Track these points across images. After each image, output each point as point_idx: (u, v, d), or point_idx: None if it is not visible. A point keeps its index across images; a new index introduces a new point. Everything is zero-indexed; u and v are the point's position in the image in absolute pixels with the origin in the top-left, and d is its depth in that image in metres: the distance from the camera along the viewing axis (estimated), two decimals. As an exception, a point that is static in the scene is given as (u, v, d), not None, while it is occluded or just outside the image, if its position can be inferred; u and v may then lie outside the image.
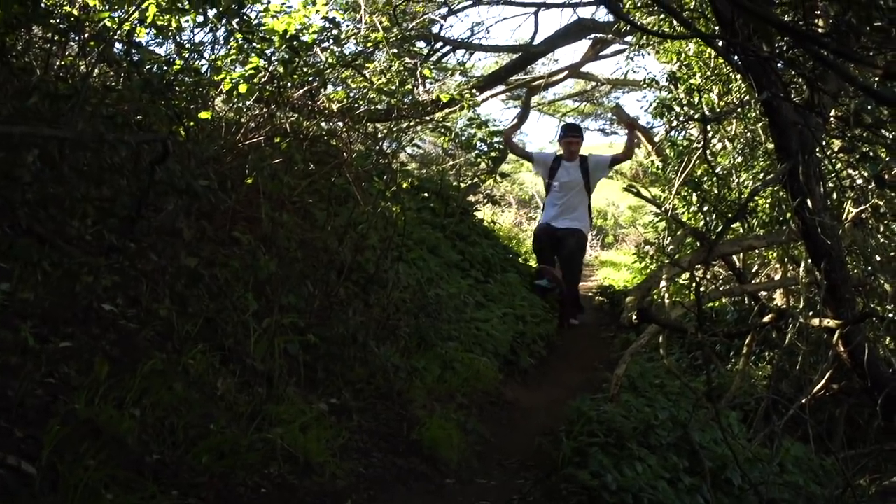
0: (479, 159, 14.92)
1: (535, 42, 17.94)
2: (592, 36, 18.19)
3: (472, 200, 14.45)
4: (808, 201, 5.33)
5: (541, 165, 11.22)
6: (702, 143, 6.17)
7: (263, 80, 6.85)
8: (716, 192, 8.60)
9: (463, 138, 14.50)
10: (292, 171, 6.81)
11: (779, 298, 10.55)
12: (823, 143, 6.44)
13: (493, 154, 15.09)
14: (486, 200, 15.61)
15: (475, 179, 15.53)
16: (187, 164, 5.48)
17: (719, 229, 7.25)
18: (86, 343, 4.01)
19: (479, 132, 14.49)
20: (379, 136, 9.08)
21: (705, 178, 10.19)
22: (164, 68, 6.08)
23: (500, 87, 22.11)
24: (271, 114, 7.23)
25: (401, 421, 5.57)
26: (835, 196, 8.64)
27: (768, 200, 9.54)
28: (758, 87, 4.90)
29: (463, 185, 14.69)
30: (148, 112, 5.49)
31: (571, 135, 11.11)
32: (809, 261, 6.42)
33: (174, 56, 6.56)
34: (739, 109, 9.33)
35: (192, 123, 6.37)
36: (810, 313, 6.57)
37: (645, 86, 13.69)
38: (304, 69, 7.39)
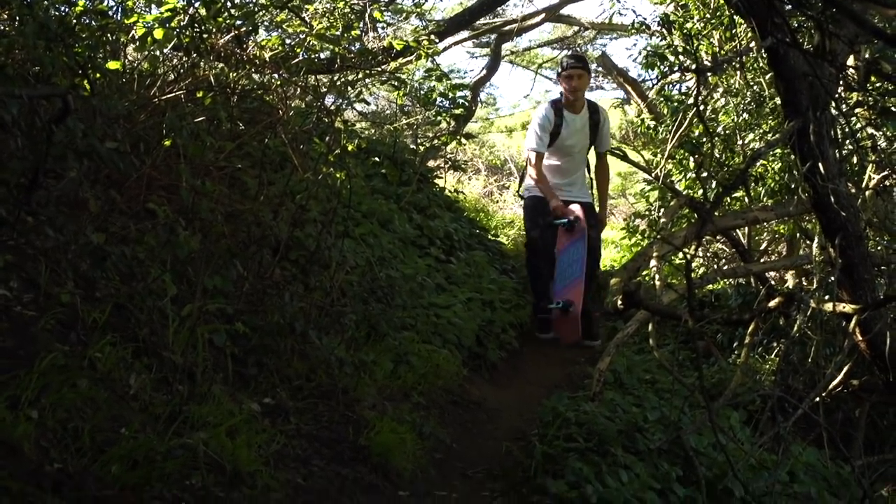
0: (439, 117, 14.71)
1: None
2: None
3: (431, 166, 14.41)
4: (820, 166, 5.33)
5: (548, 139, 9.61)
6: (698, 97, 6.14)
7: (183, 23, 6.79)
8: (716, 155, 8.59)
9: (421, 93, 14.30)
10: (218, 131, 6.74)
11: (790, 280, 10.66)
12: (838, 97, 6.45)
13: (456, 111, 14.85)
14: (448, 166, 15.48)
15: (435, 142, 15.38)
16: (92, 122, 5.43)
17: (715, 198, 7.26)
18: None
19: (440, 85, 14.23)
20: (321, 90, 9.01)
21: (704, 140, 10.24)
22: (65, 10, 6.00)
23: (466, 34, 22.09)
24: (193, 64, 7.18)
25: (346, 424, 5.57)
26: (854, 160, 8.72)
27: (776, 165, 9.60)
28: (761, 33, 4.92)
29: (422, 147, 14.61)
30: (45, 62, 5.42)
31: (575, 64, 9.56)
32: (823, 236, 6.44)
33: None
34: (742, 58, 9.38)
35: (98, 76, 6.28)
36: (824, 297, 6.58)
37: (634, 31, 13.75)
38: (231, 11, 7.32)
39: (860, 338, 6.07)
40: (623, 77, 20.47)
